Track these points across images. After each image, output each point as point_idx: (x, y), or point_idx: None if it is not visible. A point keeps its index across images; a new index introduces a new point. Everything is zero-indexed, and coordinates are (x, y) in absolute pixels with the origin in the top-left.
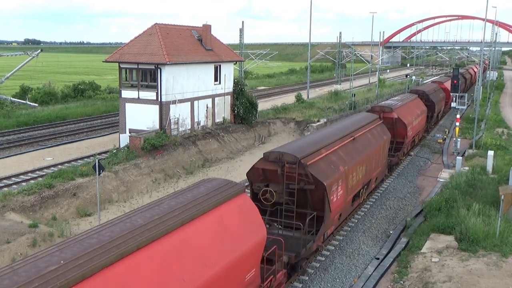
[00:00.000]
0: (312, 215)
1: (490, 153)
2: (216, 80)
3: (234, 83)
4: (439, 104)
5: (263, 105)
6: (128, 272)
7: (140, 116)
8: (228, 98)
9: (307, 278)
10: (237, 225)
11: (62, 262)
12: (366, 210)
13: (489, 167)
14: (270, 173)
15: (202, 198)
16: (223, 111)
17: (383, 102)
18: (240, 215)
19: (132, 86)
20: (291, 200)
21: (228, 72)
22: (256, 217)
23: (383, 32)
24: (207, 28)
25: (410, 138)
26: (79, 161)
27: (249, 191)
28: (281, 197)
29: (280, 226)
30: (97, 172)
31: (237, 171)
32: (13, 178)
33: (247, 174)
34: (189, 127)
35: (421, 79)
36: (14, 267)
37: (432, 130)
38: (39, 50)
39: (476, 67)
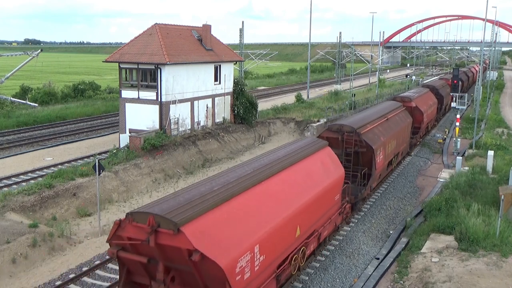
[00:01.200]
0: (364, 170)
1: (490, 153)
2: (216, 80)
3: (234, 83)
4: (447, 97)
5: (263, 105)
6: (287, 176)
7: (140, 116)
8: (228, 98)
9: (307, 278)
10: (328, 164)
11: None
12: (366, 210)
13: (489, 167)
14: (332, 140)
15: (307, 146)
16: (223, 111)
17: (402, 94)
18: (329, 158)
19: (132, 86)
20: (348, 160)
21: (228, 72)
22: (337, 161)
23: (383, 32)
24: (207, 28)
25: (425, 124)
26: (79, 161)
27: None
28: (340, 158)
29: None
30: (97, 172)
31: None
32: (13, 178)
33: None
34: (189, 127)
35: (421, 79)
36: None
37: (441, 120)
38: (39, 50)
39: (477, 66)
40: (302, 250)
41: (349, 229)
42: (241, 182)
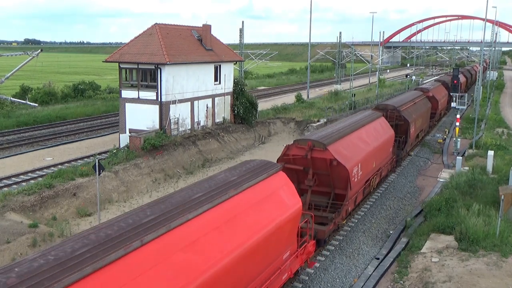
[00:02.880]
0: (402, 137)
1: (490, 153)
2: (216, 80)
3: (234, 83)
4: None
5: (263, 105)
6: (367, 129)
7: (140, 116)
8: (228, 98)
9: (307, 278)
10: (384, 127)
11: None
12: (366, 210)
13: (489, 167)
14: None
15: (371, 115)
16: (223, 111)
17: (421, 86)
18: (384, 123)
19: (132, 86)
20: None
21: (228, 72)
22: (389, 126)
23: (383, 32)
24: (207, 28)
25: (439, 110)
26: (79, 161)
27: None
28: None
29: None
30: (97, 172)
31: None
32: (13, 178)
33: None
34: (189, 127)
35: (421, 79)
36: None
37: (451, 109)
38: (39, 50)
39: (478, 66)
40: (374, 178)
41: (349, 229)
42: (347, 128)
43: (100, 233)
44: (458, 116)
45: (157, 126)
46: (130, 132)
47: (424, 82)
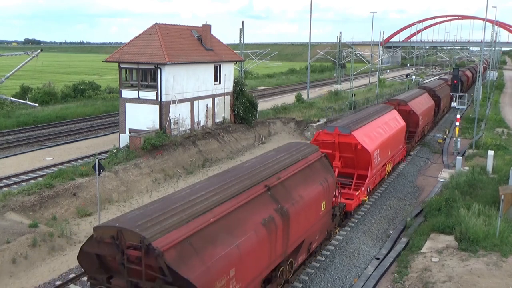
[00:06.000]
0: (436, 109)
1: (490, 153)
2: (216, 80)
3: (234, 83)
4: (465, 82)
5: (263, 105)
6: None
7: (140, 116)
8: (228, 98)
9: (307, 278)
10: (429, 98)
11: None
12: (366, 210)
13: (489, 167)
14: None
15: (418, 91)
16: (223, 111)
17: (443, 77)
18: (429, 97)
19: (132, 86)
20: None
21: (228, 72)
22: (431, 99)
23: (383, 32)
24: (207, 28)
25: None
26: (79, 161)
27: None
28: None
29: None
30: (97, 172)
31: None
32: (13, 178)
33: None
34: (189, 127)
35: (421, 79)
36: None
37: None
38: (39, 50)
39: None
40: (427, 126)
41: (349, 229)
42: (410, 97)
43: (357, 116)
44: (458, 116)
45: (157, 126)
46: (130, 132)
47: (427, 80)
